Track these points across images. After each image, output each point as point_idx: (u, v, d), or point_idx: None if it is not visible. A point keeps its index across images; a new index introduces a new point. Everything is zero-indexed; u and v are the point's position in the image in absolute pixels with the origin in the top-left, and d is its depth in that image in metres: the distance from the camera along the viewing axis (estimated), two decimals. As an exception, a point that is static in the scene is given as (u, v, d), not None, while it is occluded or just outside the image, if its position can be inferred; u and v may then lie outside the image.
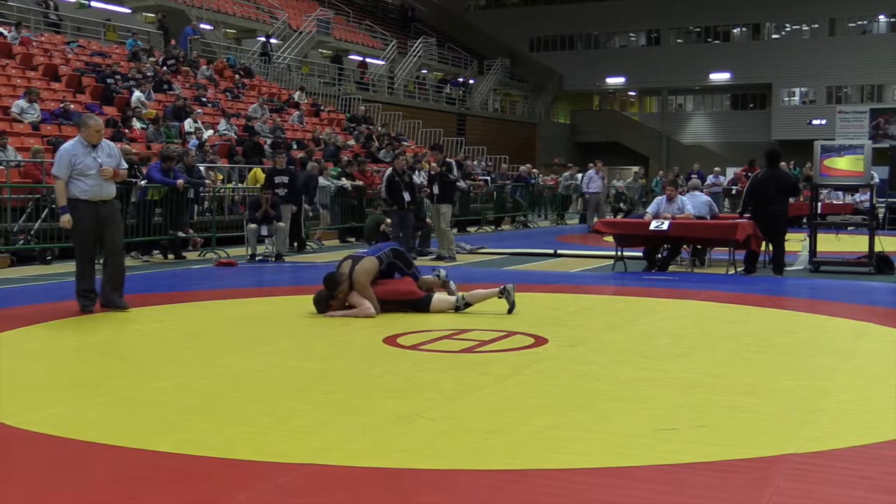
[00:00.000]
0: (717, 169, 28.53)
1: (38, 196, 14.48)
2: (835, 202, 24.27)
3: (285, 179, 15.77)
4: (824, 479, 3.98)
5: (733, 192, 25.40)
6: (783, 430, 4.69)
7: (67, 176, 8.64)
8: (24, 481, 3.95)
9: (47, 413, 5.01)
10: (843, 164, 13.18)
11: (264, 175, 16.53)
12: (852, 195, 24.47)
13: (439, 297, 8.93)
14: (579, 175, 28.41)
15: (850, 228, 15.40)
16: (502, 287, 8.77)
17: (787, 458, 4.20)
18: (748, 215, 12.89)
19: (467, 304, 8.83)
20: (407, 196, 15.51)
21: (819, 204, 15.27)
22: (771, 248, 12.89)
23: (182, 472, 4.05)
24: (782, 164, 14.89)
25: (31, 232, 14.11)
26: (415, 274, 9.02)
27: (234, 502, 3.66)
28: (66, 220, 8.72)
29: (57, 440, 4.51)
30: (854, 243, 15.27)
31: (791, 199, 13.99)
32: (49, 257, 13.91)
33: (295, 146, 22.52)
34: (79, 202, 8.69)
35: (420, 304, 8.77)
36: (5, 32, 23.48)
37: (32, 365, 6.56)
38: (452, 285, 9.17)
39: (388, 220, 15.85)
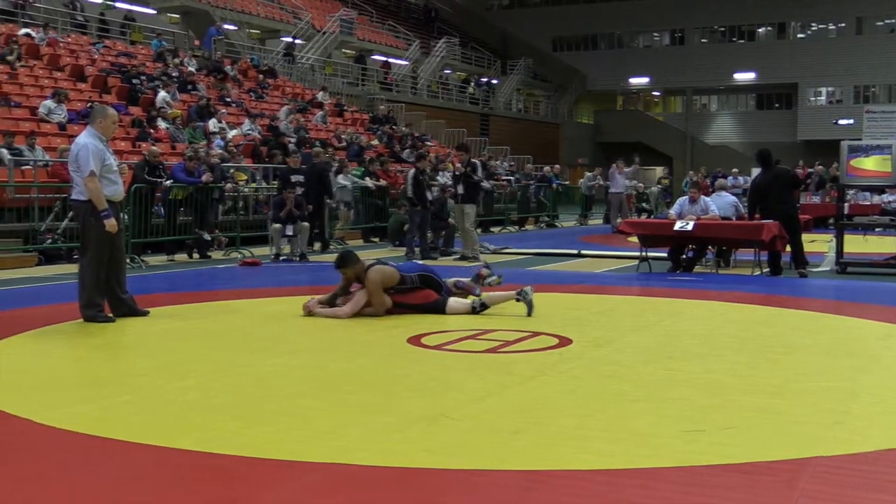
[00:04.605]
0: (735, 170, 28.34)
1: (65, 196, 14.57)
2: (862, 203, 24.05)
3: (301, 178, 15.83)
4: (852, 483, 3.93)
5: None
6: (810, 432, 4.65)
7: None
8: (50, 478, 3.97)
9: (73, 410, 5.04)
10: (870, 164, 13.06)
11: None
12: (880, 195, 24.25)
13: (455, 299, 8.90)
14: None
15: (877, 229, 15.27)
16: (520, 290, 8.71)
17: (814, 461, 4.16)
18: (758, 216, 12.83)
19: (484, 306, 8.78)
20: (428, 195, 15.54)
21: (846, 204, 15.13)
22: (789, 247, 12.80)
23: (206, 470, 4.07)
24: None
25: (58, 231, 14.24)
26: (444, 297, 8.89)
27: (258, 501, 3.66)
28: (112, 224, 8.06)
29: (83, 437, 4.53)
30: (881, 244, 15.15)
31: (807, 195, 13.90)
32: (76, 256, 13.99)
33: (318, 145, 22.57)
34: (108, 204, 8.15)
35: (436, 307, 8.75)
36: (33, 34, 23.69)
37: (59, 362, 6.61)
38: (494, 279, 9.29)
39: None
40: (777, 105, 55.08)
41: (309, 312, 8.63)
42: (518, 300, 8.65)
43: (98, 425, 4.72)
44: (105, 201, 8.07)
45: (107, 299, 8.36)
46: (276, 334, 7.82)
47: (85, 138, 8.21)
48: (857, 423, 4.86)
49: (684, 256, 13.25)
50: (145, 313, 8.53)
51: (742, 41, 54.52)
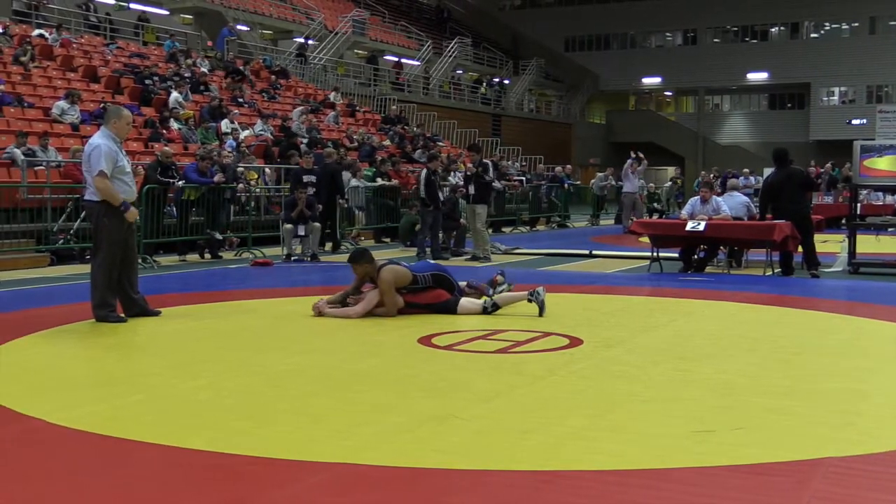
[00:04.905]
0: (746, 170, 28.21)
1: (77, 196, 14.65)
2: (875, 203, 23.96)
3: (313, 179, 15.93)
4: (863, 484, 3.93)
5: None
6: (821, 433, 4.64)
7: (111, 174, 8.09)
8: (62, 478, 4.00)
9: (85, 410, 5.06)
10: (883, 164, 13.01)
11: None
12: (893, 195, 24.14)
13: (467, 299, 8.91)
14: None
15: (890, 230, 15.20)
16: (532, 291, 8.72)
17: (825, 462, 4.15)
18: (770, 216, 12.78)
19: (496, 306, 8.79)
20: (440, 196, 15.56)
21: (858, 204, 15.07)
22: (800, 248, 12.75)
23: (217, 470, 4.08)
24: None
25: (71, 231, 14.30)
26: (456, 297, 8.88)
27: (269, 501, 3.68)
28: (133, 213, 8.28)
29: (94, 437, 4.56)
30: (894, 244, 15.08)
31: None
32: (88, 256, 14.06)
33: (330, 146, 22.60)
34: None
35: (447, 307, 8.76)
36: (46, 34, 23.80)
37: (71, 363, 6.64)
38: (505, 286, 9.20)
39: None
40: (789, 105, 54.91)
41: (319, 313, 8.64)
42: (530, 301, 8.65)
43: (110, 425, 4.75)
44: (119, 197, 8.12)
45: (119, 299, 8.39)
46: (288, 334, 7.84)
47: (98, 139, 8.25)
48: (868, 424, 4.85)
49: (695, 257, 13.22)
50: (157, 313, 8.56)
51: (755, 41, 54.36)
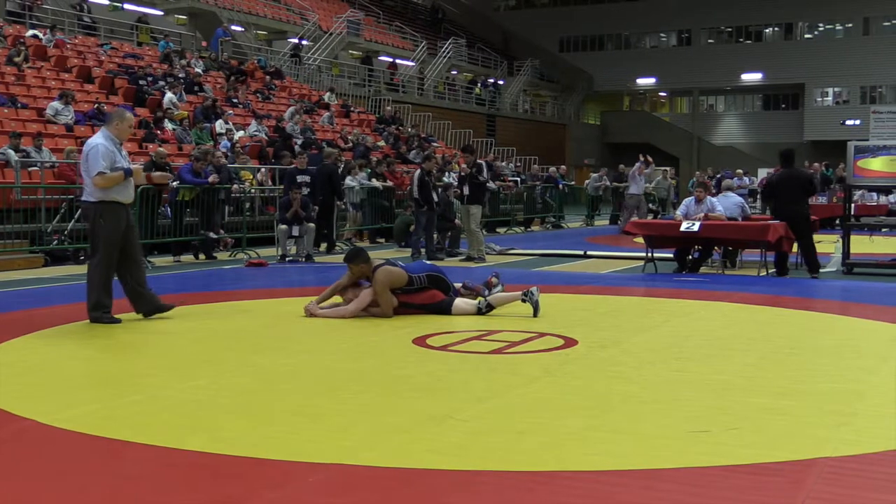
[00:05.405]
0: (739, 171, 28.22)
1: (71, 197, 14.63)
2: (868, 203, 23.99)
3: (307, 179, 15.94)
4: (859, 484, 3.93)
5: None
6: (817, 433, 4.64)
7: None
8: (56, 478, 3.98)
9: (80, 411, 5.05)
10: (877, 164, 13.04)
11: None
12: (886, 196, 24.19)
13: (461, 300, 8.90)
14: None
15: (884, 230, 15.22)
16: (526, 291, 8.71)
17: (820, 462, 4.15)
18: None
19: (490, 307, 8.78)
20: (434, 197, 15.56)
21: (852, 205, 15.10)
22: (798, 249, 12.76)
23: (212, 470, 4.07)
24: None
25: (65, 232, 14.28)
26: (451, 297, 8.88)
27: (264, 501, 3.67)
28: (138, 169, 8.72)
29: (89, 438, 4.54)
30: (888, 245, 15.11)
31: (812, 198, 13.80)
32: (82, 257, 14.04)
33: (325, 146, 22.57)
34: (114, 205, 8.16)
35: (441, 307, 8.76)
36: (40, 35, 23.75)
37: (66, 363, 6.62)
38: (500, 288, 9.18)
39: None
40: (784, 105, 55.02)
41: (311, 314, 8.62)
42: (524, 301, 8.64)
43: (106, 425, 4.73)
44: (121, 173, 8.12)
45: (129, 298, 8.41)
46: (284, 335, 7.83)
47: (97, 139, 8.27)
48: (863, 424, 4.85)
49: (690, 257, 13.23)
50: (170, 307, 8.58)
51: (749, 42, 54.47)
